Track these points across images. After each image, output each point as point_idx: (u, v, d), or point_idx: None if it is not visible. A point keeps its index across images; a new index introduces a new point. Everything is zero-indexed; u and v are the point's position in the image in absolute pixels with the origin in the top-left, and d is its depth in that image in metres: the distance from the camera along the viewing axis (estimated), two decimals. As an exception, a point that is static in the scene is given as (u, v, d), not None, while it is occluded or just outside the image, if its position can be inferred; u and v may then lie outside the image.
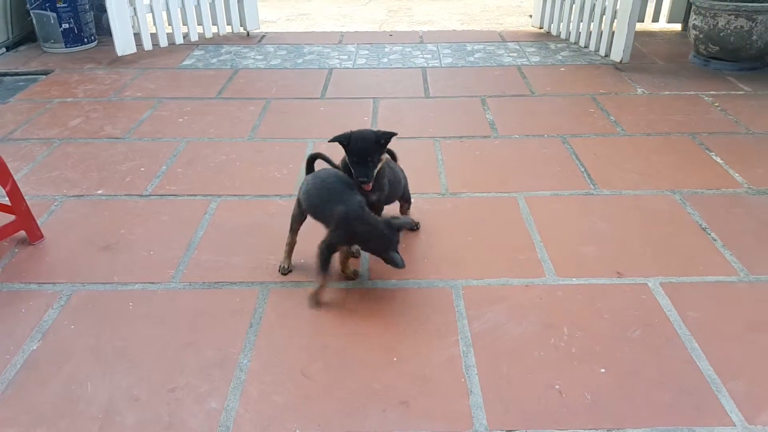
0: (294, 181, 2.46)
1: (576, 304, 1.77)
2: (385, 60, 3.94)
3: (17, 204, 1.99)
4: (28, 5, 4.07)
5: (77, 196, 2.36)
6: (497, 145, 2.75)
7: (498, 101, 3.23)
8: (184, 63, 3.89)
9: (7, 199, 2.01)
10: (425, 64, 3.84)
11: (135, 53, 3.95)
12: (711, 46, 3.56)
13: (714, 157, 2.59)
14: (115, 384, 1.52)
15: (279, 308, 1.78)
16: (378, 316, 1.74)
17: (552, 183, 2.42)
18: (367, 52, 4.12)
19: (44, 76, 3.70)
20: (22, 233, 2.05)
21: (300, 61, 3.94)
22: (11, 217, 2.01)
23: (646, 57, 3.90)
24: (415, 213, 2.21)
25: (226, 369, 1.57)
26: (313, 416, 1.44)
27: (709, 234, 2.08)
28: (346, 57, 4.01)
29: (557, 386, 1.51)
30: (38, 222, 2.09)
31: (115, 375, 1.55)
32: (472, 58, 3.93)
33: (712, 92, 3.29)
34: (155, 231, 2.14)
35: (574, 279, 1.88)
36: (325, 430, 1.40)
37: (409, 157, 2.65)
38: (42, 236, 2.08)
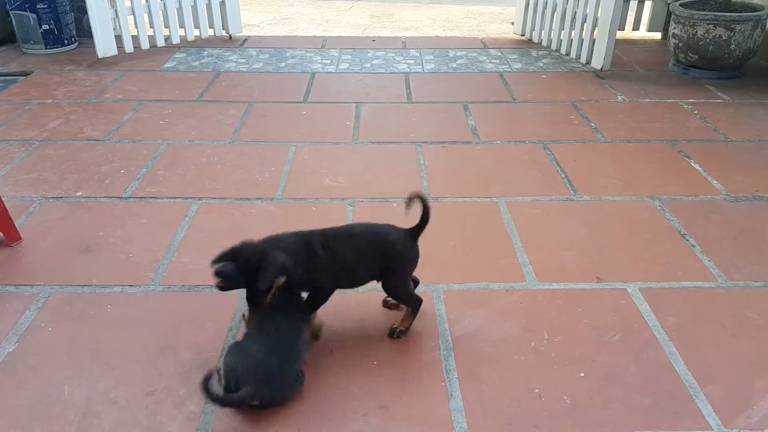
0: (276, 184, 2.45)
1: (556, 309, 1.79)
2: (368, 65, 3.95)
3: (-6, 205, 1.96)
4: (7, 6, 4.02)
5: (56, 197, 2.32)
6: (479, 151, 2.77)
7: (480, 107, 3.25)
8: (166, 65, 3.86)
9: (-17, 200, 1.98)
10: (408, 70, 3.85)
11: (116, 55, 3.91)
12: (690, 54, 3.62)
13: (693, 164, 2.63)
14: (92, 387, 1.50)
15: (260, 312, 1.76)
16: (358, 321, 1.74)
17: (533, 188, 2.43)
18: (349, 56, 4.12)
19: (23, 77, 3.65)
20: (0, 235, 2.02)
21: (282, 65, 3.94)
22: (-13, 219, 1.98)
23: (626, 65, 3.96)
24: (396, 217, 2.21)
25: (205, 372, 1.55)
26: (291, 420, 1.43)
27: (688, 240, 2.11)
28: (328, 61, 4.02)
29: (537, 390, 1.51)
30: (16, 223, 2.06)
31: (92, 378, 1.53)
32: (454, 64, 3.95)
33: (691, 100, 3.34)
34: (135, 233, 2.11)
35: (554, 284, 1.89)
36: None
37: (391, 161, 2.67)
38: (20, 238, 2.04)
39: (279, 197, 2.37)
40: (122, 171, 2.52)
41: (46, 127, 2.94)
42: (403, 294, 1.67)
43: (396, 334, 1.66)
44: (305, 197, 2.38)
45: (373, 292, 1.78)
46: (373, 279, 1.64)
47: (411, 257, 1.65)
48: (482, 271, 1.95)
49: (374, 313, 1.77)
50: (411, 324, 1.68)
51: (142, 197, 2.34)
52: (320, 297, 1.61)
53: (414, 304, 1.68)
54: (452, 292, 1.85)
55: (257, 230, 2.11)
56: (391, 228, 1.64)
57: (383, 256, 1.59)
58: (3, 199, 2.01)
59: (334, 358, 1.60)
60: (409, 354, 1.62)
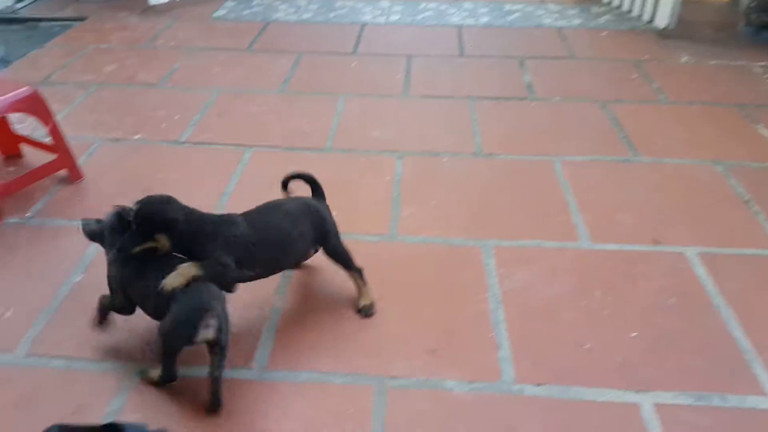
0: (326, 135, 2.45)
1: (610, 270, 1.75)
2: (420, 17, 3.86)
3: (59, 143, 2.02)
4: (64, -51, 4.05)
5: (114, 139, 2.38)
6: (534, 108, 2.70)
7: (536, 63, 3.15)
8: (216, 14, 3.85)
9: (48, 138, 2.04)
10: (461, 23, 3.75)
11: (168, 2, 3.93)
12: (764, 16, 3.41)
13: (760, 130, 2.51)
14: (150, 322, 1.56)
15: (309, 259, 1.78)
16: (407, 271, 1.75)
17: (590, 148, 2.37)
18: (401, 8, 4.03)
19: (79, 23, 3.70)
20: (64, 172, 2.08)
21: (332, 15, 3.88)
22: (53, 156, 2.04)
23: (692, 25, 3.76)
24: (446, 174, 2.19)
25: (261, 311, 1.60)
26: (341, 358, 1.47)
27: (752, 207, 2.03)
28: (379, 12, 3.94)
29: (587, 346, 1.50)
30: (78, 162, 2.12)
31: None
32: (510, 18, 3.83)
33: (762, 63, 3.17)
34: (191, 177, 2.15)
35: (609, 245, 1.85)
36: (350, 370, 1.43)
37: (442, 116, 2.63)
38: (82, 176, 2.11)
39: (328, 148, 2.37)
40: (177, 116, 2.56)
41: (102, 72, 2.99)
42: (349, 256, 1.62)
43: (366, 311, 1.59)
44: (354, 149, 2.37)
45: (424, 245, 1.77)
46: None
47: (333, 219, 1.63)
48: (534, 229, 1.92)
49: (422, 264, 1.77)
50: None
51: (197, 143, 2.37)
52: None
53: (360, 268, 1.62)
54: (502, 248, 1.83)
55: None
56: (304, 197, 1.62)
57: (315, 219, 1.55)
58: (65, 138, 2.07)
59: (381, 304, 1.62)
60: (457, 305, 1.62)
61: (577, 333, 1.54)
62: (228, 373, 1.41)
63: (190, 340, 1.28)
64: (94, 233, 1.46)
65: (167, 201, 1.41)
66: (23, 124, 2.23)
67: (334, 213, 1.96)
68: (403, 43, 3.41)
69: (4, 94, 1.87)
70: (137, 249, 1.36)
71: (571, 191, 2.10)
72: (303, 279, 1.71)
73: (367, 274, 1.66)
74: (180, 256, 1.40)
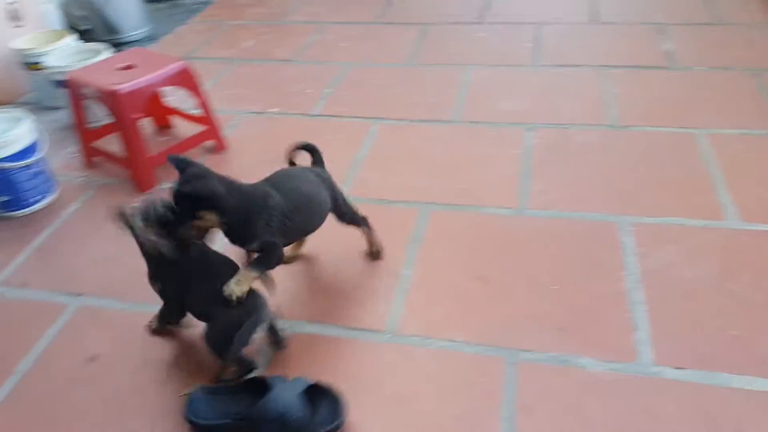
0: (452, 107, 2.45)
1: (762, 252, 1.63)
2: (550, -16, 3.69)
3: (207, 115, 2.19)
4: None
5: (255, 112, 2.53)
6: (676, 77, 2.52)
7: (677, 30, 2.93)
8: (345, -12, 3.92)
9: (196, 111, 2.21)
10: (595, -11, 3.55)
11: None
12: None
13: None
14: (287, 281, 1.67)
15: (439, 229, 1.82)
16: (539, 245, 1.72)
17: (739, 121, 2.18)
18: (530, -25, 3.88)
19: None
20: (210, 143, 2.25)
21: (459, -15, 3.82)
22: (201, 128, 2.22)
23: None
24: (578, 147, 2.12)
25: (390, 277, 1.66)
26: (471, 328, 1.49)
27: None
28: (507, -19, 3.82)
29: (734, 332, 1.41)
30: (222, 134, 2.28)
31: (284, 275, 1.69)
32: (649, -18, 3.56)
33: None
34: (323, 148, 2.23)
35: (761, 225, 1.71)
36: (481, 341, 1.45)
37: (574, 86, 2.53)
38: (226, 147, 2.27)
39: (455, 120, 2.38)
40: (310, 90, 2.67)
41: (241, 47, 3.17)
42: (357, 213, 1.65)
43: (377, 254, 1.70)
44: (482, 120, 2.35)
45: (559, 219, 1.74)
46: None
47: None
48: (676, 206, 1.82)
49: (556, 239, 1.74)
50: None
51: (329, 116, 2.46)
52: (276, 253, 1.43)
53: (364, 220, 1.67)
54: (642, 225, 1.75)
55: (434, 152, 2.17)
56: (309, 166, 1.62)
57: (328, 186, 1.57)
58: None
59: (512, 278, 1.62)
60: (591, 282, 1.59)
61: (723, 319, 1.45)
62: (360, 335, 1.49)
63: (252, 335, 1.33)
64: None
65: (204, 175, 1.31)
66: (172, 97, 2.43)
67: (461, 186, 1.99)
68: (532, 11, 3.30)
69: (160, 69, 2.04)
70: (185, 230, 1.30)
71: (718, 166, 1.96)
72: (430, 248, 1.75)
73: (495, 247, 1.66)
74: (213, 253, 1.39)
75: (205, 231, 1.36)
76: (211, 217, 1.30)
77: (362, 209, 1.90)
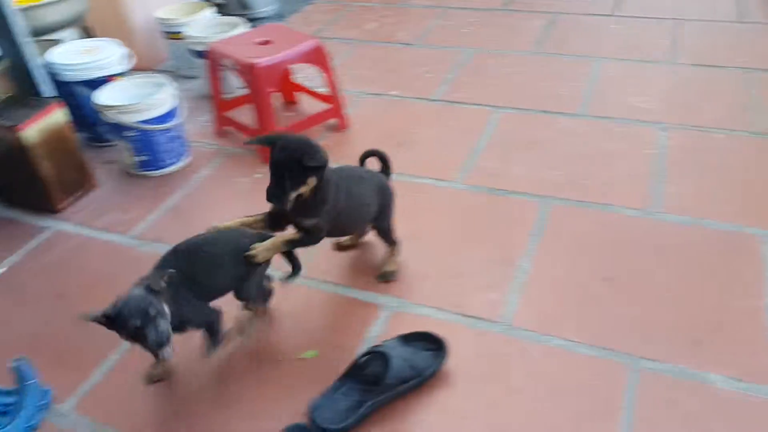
0: (579, 99, 2.36)
1: None
2: (692, -24, 3.45)
3: (334, 94, 2.24)
4: None
5: (375, 94, 2.56)
6: (835, 83, 2.29)
7: (840, 31, 2.66)
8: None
9: (322, 89, 2.27)
10: (743, -17, 3.28)
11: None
12: None
13: None
14: (405, 261, 1.68)
15: (561, 224, 1.76)
16: (670, 251, 1.63)
17: None
18: (669, -34, 3.65)
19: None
20: (333, 120, 2.31)
21: (591, -26, 3.66)
22: (325, 105, 2.28)
23: None
24: (718, 152, 1.98)
25: (508, 268, 1.63)
26: (591, 330, 1.43)
27: None
28: (644, -28, 3.61)
29: None
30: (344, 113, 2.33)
31: (406, 253, 1.69)
32: (807, -22, 3.24)
33: None
34: (442, 134, 2.24)
35: None
36: (601, 344, 1.39)
37: (713, 87, 2.37)
38: (347, 126, 2.32)
39: (581, 113, 2.29)
40: (430, 75, 2.66)
41: (364, 29, 3.21)
42: (392, 233, 1.63)
43: (389, 276, 1.62)
44: (610, 116, 2.25)
45: (690, 226, 1.63)
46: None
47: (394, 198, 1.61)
48: (828, 223, 1.66)
49: (689, 248, 1.64)
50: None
51: (449, 101, 2.45)
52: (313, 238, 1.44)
53: (397, 242, 1.64)
54: (787, 240, 1.62)
55: (559, 145, 2.10)
56: (377, 171, 1.62)
57: (383, 197, 1.56)
58: (337, 89, 2.28)
59: (638, 286, 1.54)
60: (728, 296, 1.48)
61: None
62: (471, 323, 1.48)
63: None
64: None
65: (312, 144, 1.31)
66: (299, 74, 2.50)
67: (585, 182, 1.91)
68: (671, 6, 3.11)
69: (295, 46, 2.10)
70: (294, 195, 1.30)
71: None
72: (551, 242, 1.70)
73: (621, 248, 1.60)
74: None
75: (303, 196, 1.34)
76: (312, 183, 1.32)
77: (479, 198, 1.90)
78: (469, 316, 1.50)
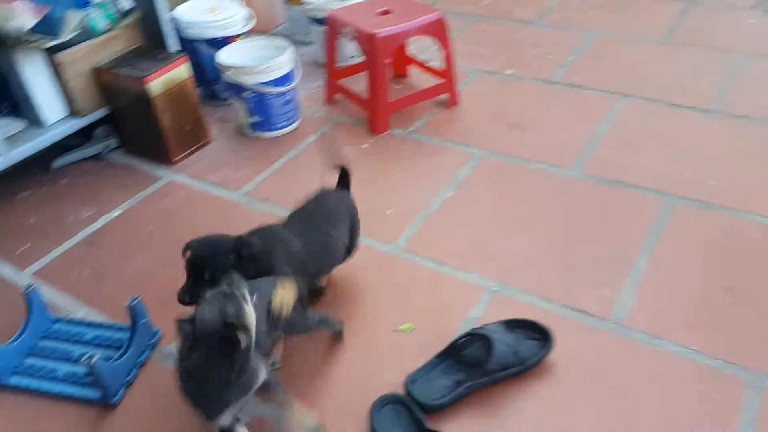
0: (713, 95, 2.18)
1: None
2: None
3: (449, 69, 2.18)
4: None
5: (489, 72, 2.48)
6: None
7: None
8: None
9: (435, 63, 2.22)
10: None
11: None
12: None
13: None
14: (512, 245, 1.62)
15: (683, 225, 1.64)
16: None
17: None
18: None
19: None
20: (442, 96, 2.26)
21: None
22: (436, 80, 2.23)
23: None
24: None
25: (622, 265, 1.53)
26: (709, 339, 1.33)
27: None
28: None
29: None
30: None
31: (513, 238, 1.65)
32: None
33: None
34: (560, 118, 2.14)
35: None
36: (719, 355, 1.29)
37: None
38: (458, 103, 2.26)
39: (715, 110, 2.11)
40: (551, 56, 2.54)
41: (480, 4, 3.12)
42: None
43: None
44: (747, 115, 2.06)
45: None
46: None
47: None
48: None
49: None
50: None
51: (568, 84, 2.33)
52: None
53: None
54: None
55: (686, 140, 1.95)
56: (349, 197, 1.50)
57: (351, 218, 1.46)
58: (451, 64, 2.23)
59: (762, 293, 1.41)
60: None
61: None
62: (580, 317, 1.40)
63: None
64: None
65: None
66: (411, 47, 2.46)
67: (714, 183, 1.77)
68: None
69: (416, 17, 2.06)
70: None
71: None
72: (670, 243, 1.58)
73: (749, 257, 1.47)
74: None
75: None
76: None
77: (596, 189, 1.80)
78: (578, 311, 1.42)
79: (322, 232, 1.37)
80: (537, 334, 1.33)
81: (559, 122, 2.12)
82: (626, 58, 2.47)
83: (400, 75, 2.50)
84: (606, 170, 1.86)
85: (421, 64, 2.39)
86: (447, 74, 2.19)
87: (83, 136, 2.15)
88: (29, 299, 1.45)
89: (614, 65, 2.43)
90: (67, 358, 1.42)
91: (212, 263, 1.19)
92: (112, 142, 2.18)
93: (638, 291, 1.46)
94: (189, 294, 1.20)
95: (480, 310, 1.45)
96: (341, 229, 1.42)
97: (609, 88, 2.28)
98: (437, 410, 1.22)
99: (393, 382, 1.29)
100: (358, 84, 2.28)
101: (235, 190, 1.94)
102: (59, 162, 2.12)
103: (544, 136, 2.05)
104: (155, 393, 1.33)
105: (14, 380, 1.38)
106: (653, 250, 1.57)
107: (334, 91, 2.36)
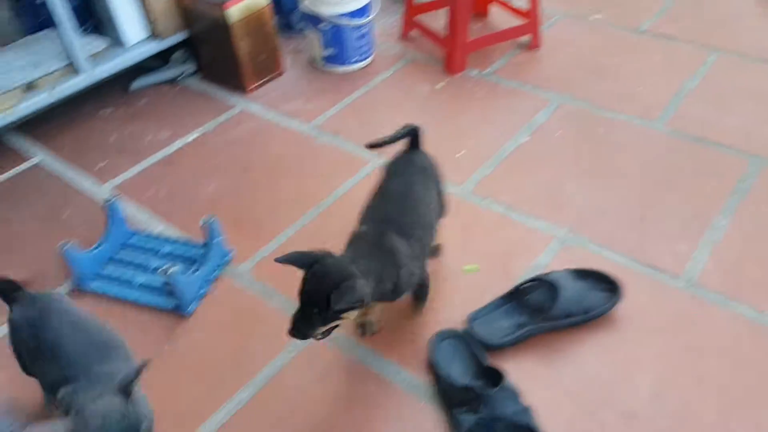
0: (819, 52, 2.02)
1: None
2: None
3: (534, 9, 2.09)
4: None
5: (574, 16, 2.37)
6: None
7: None
8: None
9: (521, 4, 2.13)
10: None
11: None
12: None
13: None
14: (585, 195, 1.58)
15: (770, 188, 1.56)
16: None
17: None
18: None
19: None
20: (524, 38, 2.18)
21: None
22: (518, 21, 2.15)
23: None
24: None
25: (700, 223, 1.47)
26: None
27: None
28: None
29: None
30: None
31: (587, 187, 1.60)
32: None
33: None
34: (646, 69, 2.03)
35: None
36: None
37: None
38: (539, 45, 2.17)
39: (817, 70, 1.96)
40: (642, 2, 2.40)
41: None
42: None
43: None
44: None
45: None
46: None
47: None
48: None
49: None
50: None
51: (658, 35, 2.20)
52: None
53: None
54: None
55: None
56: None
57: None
58: (535, 6, 2.13)
59: None
60: None
61: None
62: (650, 273, 1.37)
63: None
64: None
65: (346, 277, 1.04)
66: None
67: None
68: None
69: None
70: (323, 330, 1.08)
71: None
72: (755, 205, 1.51)
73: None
74: None
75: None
76: (352, 315, 1.09)
77: (679, 144, 1.72)
78: (649, 265, 1.39)
79: (419, 214, 1.23)
80: (605, 285, 1.31)
81: (645, 73, 2.01)
82: (724, 11, 2.31)
83: (481, 14, 2.41)
84: (691, 126, 1.77)
85: (504, 3, 2.30)
86: (531, 14, 2.10)
87: (161, 59, 2.20)
88: (110, 210, 1.52)
89: (710, 17, 2.27)
90: (144, 269, 1.49)
91: (314, 302, 1.05)
92: (189, 67, 2.22)
93: (715, 250, 1.41)
94: (296, 328, 1.07)
95: (547, 257, 1.43)
96: (431, 199, 1.28)
97: (701, 40, 2.13)
98: (497, 349, 1.23)
99: (452, 319, 1.30)
100: (436, 21, 2.22)
101: (307, 122, 1.95)
102: (137, 84, 2.18)
103: (628, 86, 1.96)
104: (224, 308, 1.39)
105: (95, 285, 1.47)
106: (735, 211, 1.50)
107: (410, 26, 2.31)
